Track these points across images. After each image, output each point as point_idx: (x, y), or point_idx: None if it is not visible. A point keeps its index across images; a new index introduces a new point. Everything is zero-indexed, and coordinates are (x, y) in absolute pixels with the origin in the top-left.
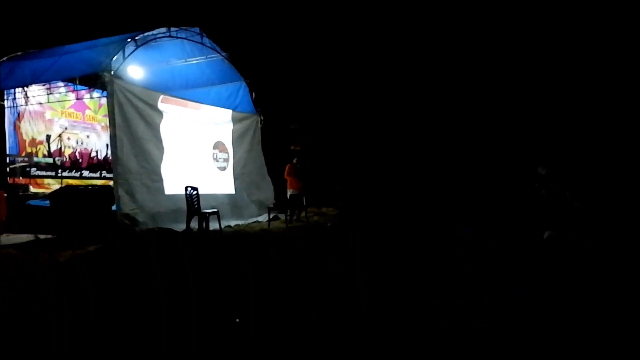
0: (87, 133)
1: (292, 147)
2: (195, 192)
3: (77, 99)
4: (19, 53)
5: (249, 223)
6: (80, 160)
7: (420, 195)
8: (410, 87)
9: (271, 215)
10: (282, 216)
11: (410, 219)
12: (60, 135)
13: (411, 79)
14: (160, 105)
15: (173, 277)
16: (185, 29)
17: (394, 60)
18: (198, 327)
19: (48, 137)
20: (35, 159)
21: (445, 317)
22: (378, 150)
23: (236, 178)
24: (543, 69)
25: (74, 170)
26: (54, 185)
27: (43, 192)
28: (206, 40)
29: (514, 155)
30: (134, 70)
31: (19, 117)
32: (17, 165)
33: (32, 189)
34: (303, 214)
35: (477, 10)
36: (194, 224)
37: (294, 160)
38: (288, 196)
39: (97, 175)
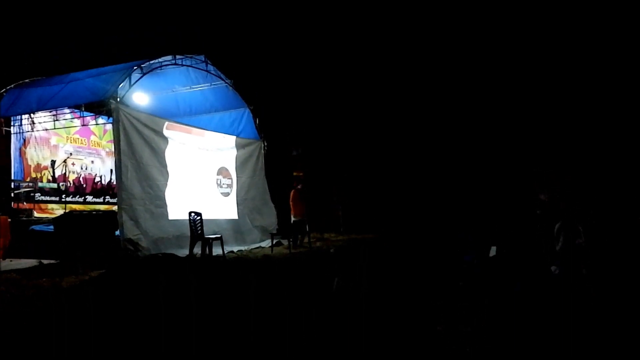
0: (92, 158)
1: (295, 173)
2: (198, 218)
3: (82, 125)
4: (26, 80)
5: (251, 249)
6: (85, 186)
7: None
8: (411, 104)
9: (274, 241)
10: (285, 242)
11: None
12: (65, 161)
13: (413, 99)
14: (166, 132)
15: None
16: (191, 57)
17: (394, 82)
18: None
19: (53, 162)
20: (39, 184)
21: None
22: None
23: (239, 204)
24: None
25: (78, 196)
26: (57, 210)
27: (47, 217)
28: (211, 67)
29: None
30: (140, 97)
31: (24, 143)
32: (22, 190)
33: (36, 214)
34: (306, 239)
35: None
36: (197, 249)
37: (299, 186)
38: (292, 222)
39: (101, 200)
